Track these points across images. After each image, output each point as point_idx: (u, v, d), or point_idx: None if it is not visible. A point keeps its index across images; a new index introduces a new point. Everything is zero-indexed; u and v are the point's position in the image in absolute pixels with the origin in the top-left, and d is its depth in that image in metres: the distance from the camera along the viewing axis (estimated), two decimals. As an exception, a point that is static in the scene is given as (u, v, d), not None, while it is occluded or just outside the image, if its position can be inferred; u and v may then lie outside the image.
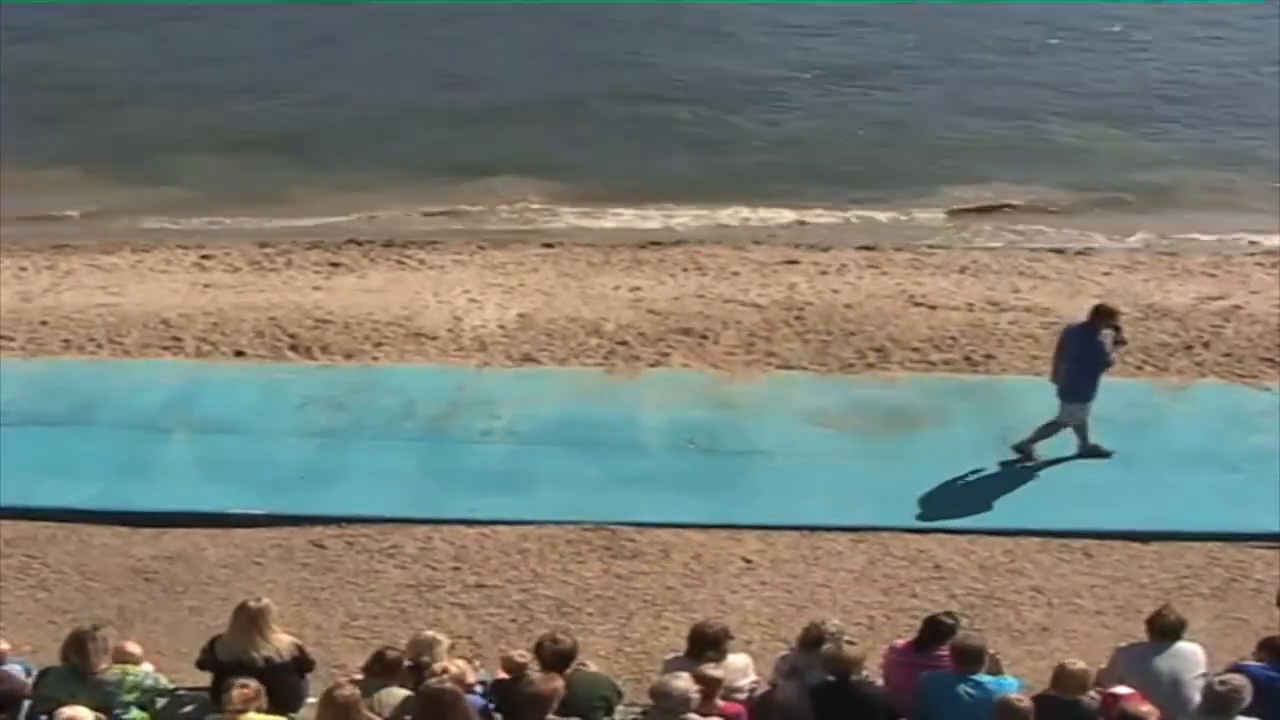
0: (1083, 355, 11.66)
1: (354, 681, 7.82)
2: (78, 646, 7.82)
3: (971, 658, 7.88)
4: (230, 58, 24.75)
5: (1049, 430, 12.02)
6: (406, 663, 8.02)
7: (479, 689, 8.03)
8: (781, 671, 8.31)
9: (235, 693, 7.30)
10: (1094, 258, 16.93)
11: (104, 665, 7.80)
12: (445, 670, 7.83)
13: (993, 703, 7.39)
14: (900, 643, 8.54)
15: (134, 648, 8.32)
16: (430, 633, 8.46)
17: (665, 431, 12.74)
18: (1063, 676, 7.56)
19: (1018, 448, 12.12)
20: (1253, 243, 17.72)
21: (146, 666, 8.22)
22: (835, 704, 7.71)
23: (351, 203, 19.20)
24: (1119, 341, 11.96)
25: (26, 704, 7.94)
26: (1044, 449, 12.11)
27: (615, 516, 11.44)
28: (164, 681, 8.10)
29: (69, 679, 7.77)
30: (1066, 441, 12.32)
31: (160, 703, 7.99)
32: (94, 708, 7.52)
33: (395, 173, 20.16)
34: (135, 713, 7.83)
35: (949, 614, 8.52)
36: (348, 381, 13.71)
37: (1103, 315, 11.71)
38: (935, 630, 8.19)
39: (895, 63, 24.62)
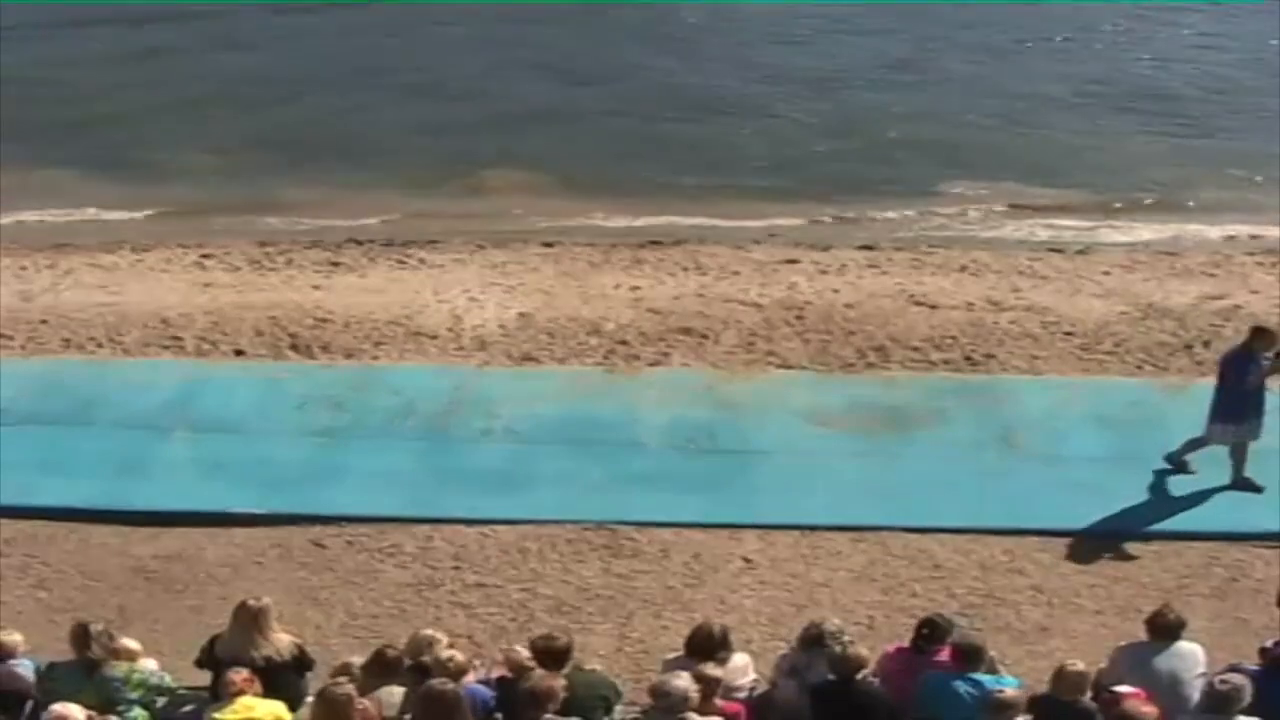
0: (1237, 377, 11.19)
1: (350, 669, 7.89)
2: (79, 636, 7.85)
3: (971, 656, 7.91)
4: (229, 58, 24.76)
5: (1194, 445, 11.68)
6: (407, 661, 8.03)
7: (481, 687, 8.02)
8: (781, 671, 8.32)
9: (237, 677, 7.38)
10: (1094, 257, 16.92)
11: (109, 659, 7.84)
12: (451, 660, 7.85)
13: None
14: (897, 647, 8.53)
15: (132, 644, 8.34)
16: (429, 631, 8.47)
17: (665, 431, 12.73)
18: (1062, 678, 7.57)
19: (1170, 458, 11.79)
20: (1254, 240, 17.73)
21: (150, 663, 8.25)
22: (835, 703, 7.73)
23: (351, 203, 19.19)
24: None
25: (29, 704, 7.93)
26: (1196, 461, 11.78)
27: (615, 516, 11.43)
28: (168, 680, 8.12)
29: (75, 674, 7.80)
30: (1065, 441, 12.34)
31: (160, 701, 8.00)
32: (99, 704, 7.56)
33: (395, 173, 20.14)
34: (137, 711, 7.85)
35: (942, 615, 8.53)
36: (348, 381, 13.70)
37: (1257, 336, 11.24)
38: (934, 630, 8.20)
39: (893, 63, 24.60)
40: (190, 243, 17.57)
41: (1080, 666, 7.68)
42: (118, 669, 7.88)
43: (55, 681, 7.81)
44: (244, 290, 15.93)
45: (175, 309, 15.36)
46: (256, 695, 7.45)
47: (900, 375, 13.83)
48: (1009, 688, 7.57)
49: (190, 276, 16.42)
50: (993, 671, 8.01)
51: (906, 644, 8.49)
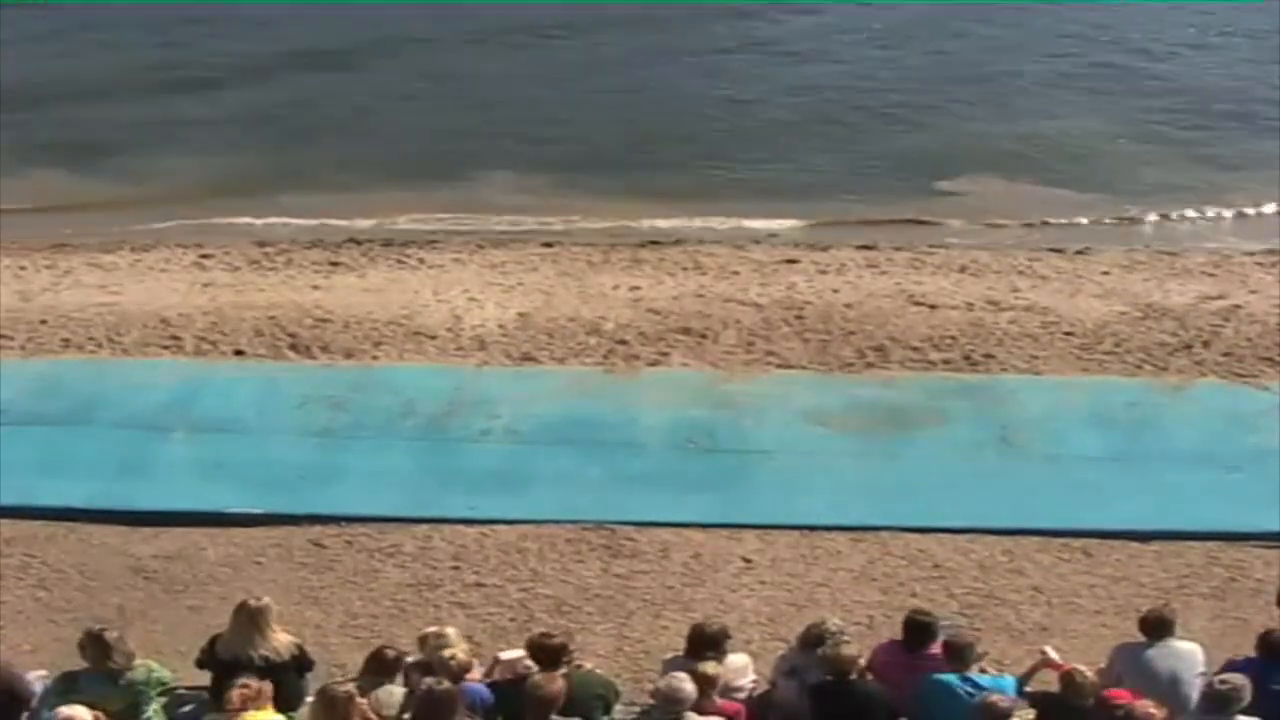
0: None
1: (352, 679, 7.87)
2: (99, 646, 7.76)
3: (963, 653, 7.91)
4: (230, 58, 24.79)
5: None
6: (408, 660, 8.03)
7: (481, 686, 8.02)
8: (781, 671, 8.32)
9: (235, 693, 7.32)
10: (1094, 257, 16.94)
11: (129, 663, 7.82)
12: (453, 658, 7.85)
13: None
14: (890, 641, 8.52)
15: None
16: (436, 628, 8.47)
17: (665, 431, 12.72)
18: (1072, 685, 7.56)
19: None
20: (1253, 239, 17.74)
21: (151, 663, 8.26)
22: (834, 703, 7.73)
23: (351, 203, 19.20)
24: None
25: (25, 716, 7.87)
26: None
27: (615, 516, 11.41)
28: (167, 676, 8.13)
29: (100, 681, 7.69)
30: (1065, 441, 12.35)
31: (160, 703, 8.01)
32: (126, 709, 7.57)
33: (395, 173, 20.17)
34: (154, 710, 7.85)
35: (924, 611, 8.51)
36: (347, 381, 13.70)
37: None
38: (917, 629, 8.19)
39: (892, 65, 24.65)
40: (189, 243, 17.59)
41: (1091, 676, 7.66)
42: (138, 672, 7.84)
43: (79, 692, 7.60)
44: (243, 290, 15.94)
45: (175, 309, 15.37)
46: (261, 710, 7.38)
47: (900, 375, 13.83)
48: (1005, 691, 7.56)
49: (190, 276, 16.43)
50: (983, 670, 8.03)
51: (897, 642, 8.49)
